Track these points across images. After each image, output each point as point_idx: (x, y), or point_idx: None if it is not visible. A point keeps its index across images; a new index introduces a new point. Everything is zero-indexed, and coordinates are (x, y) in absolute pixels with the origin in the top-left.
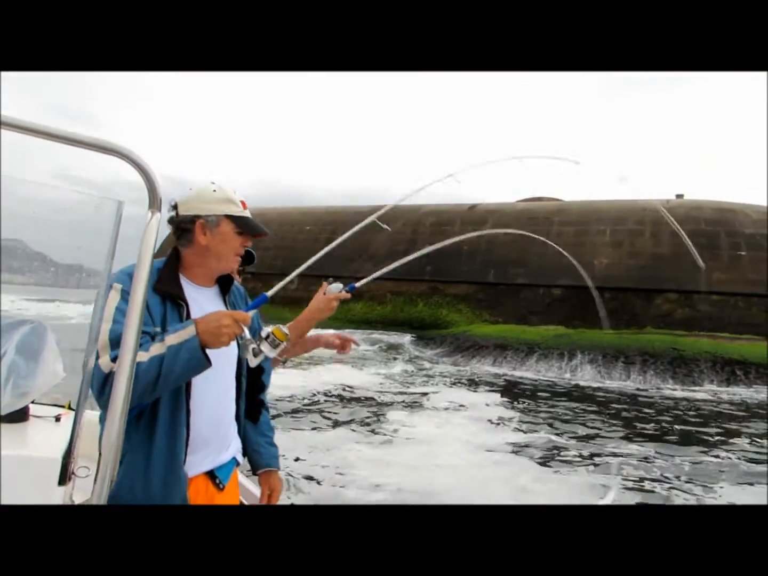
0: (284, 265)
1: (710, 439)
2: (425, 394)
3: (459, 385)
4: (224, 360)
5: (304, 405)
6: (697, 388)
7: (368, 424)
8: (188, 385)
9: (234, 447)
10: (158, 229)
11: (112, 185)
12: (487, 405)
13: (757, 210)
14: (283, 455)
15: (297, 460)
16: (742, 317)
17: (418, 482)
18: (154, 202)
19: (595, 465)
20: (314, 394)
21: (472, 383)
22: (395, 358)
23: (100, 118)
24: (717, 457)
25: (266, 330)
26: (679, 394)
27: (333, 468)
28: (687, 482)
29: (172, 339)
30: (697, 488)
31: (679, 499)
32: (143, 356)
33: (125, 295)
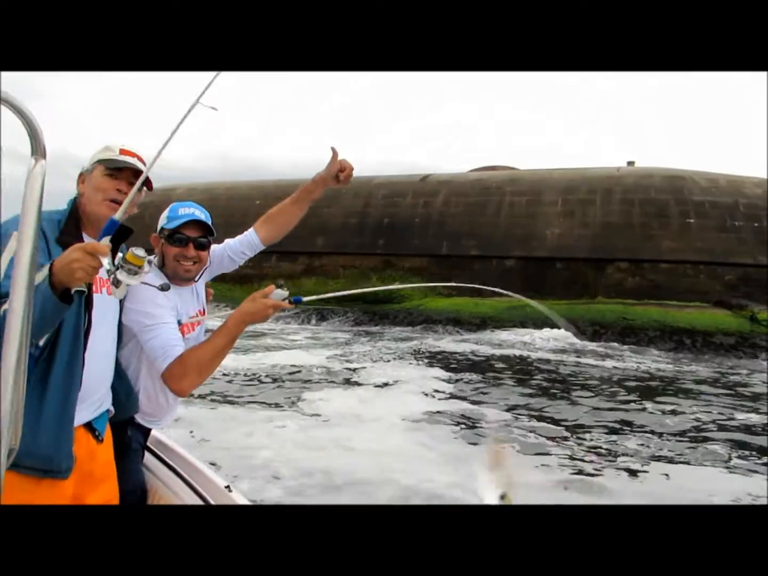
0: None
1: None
2: (358, 369)
3: (401, 360)
4: (113, 304)
5: (239, 384)
6: (644, 358)
7: (292, 405)
8: (86, 334)
9: (109, 397)
10: (44, 177)
11: (58, 160)
12: (424, 378)
13: (705, 177)
14: (191, 432)
15: (202, 441)
16: (690, 285)
17: (327, 465)
18: (37, 149)
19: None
20: (251, 376)
21: (416, 358)
22: (343, 341)
23: (43, 91)
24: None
25: (119, 256)
26: (621, 365)
27: (236, 453)
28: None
29: None
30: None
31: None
32: (7, 304)
33: None
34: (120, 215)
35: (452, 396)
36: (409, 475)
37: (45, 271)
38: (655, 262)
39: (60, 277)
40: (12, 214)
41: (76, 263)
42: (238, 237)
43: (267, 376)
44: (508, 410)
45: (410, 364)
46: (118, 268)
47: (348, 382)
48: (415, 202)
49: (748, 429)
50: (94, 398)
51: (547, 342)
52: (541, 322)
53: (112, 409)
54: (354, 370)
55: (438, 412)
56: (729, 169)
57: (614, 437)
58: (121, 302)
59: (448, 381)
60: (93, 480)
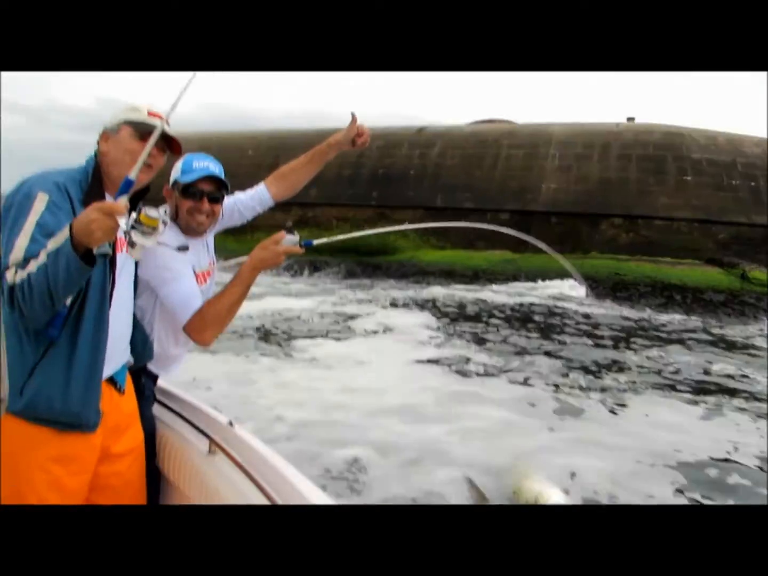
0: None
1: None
2: (354, 316)
3: (394, 307)
4: (130, 261)
5: (236, 333)
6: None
7: (289, 353)
8: (111, 292)
9: (128, 350)
10: None
11: (48, 112)
12: (417, 326)
13: (704, 134)
14: (193, 379)
15: (202, 390)
16: (684, 242)
17: (321, 410)
18: None
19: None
20: (248, 325)
21: (408, 305)
22: (337, 290)
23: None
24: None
25: (133, 216)
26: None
27: (237, 399)
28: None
29: (51, 245)
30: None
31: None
32: (32, 266)
33: (52, 208)
34: (135, 174)
35: (446, 342)
36: (403, 417)
37: (65, 232)
38: (650, 218)
39: (80, 238)
40: (34, 172)
41: (94, 224)
42: (249, 191)
43: (262, 324)
44: (498, 354)
45: (405, 311)
46: (132, 229)
47: (344, 329)
48: (411, 153)
49: (726, 377)
50: (116, 354)
51: (538, 294)
52: (533, 275)
53: (131, 359)
54: (350, 317)
55: (432, 358)
56: (730, 128)
57: (596, 376)
58: None
59: (441, 328)
60: (119, 430)
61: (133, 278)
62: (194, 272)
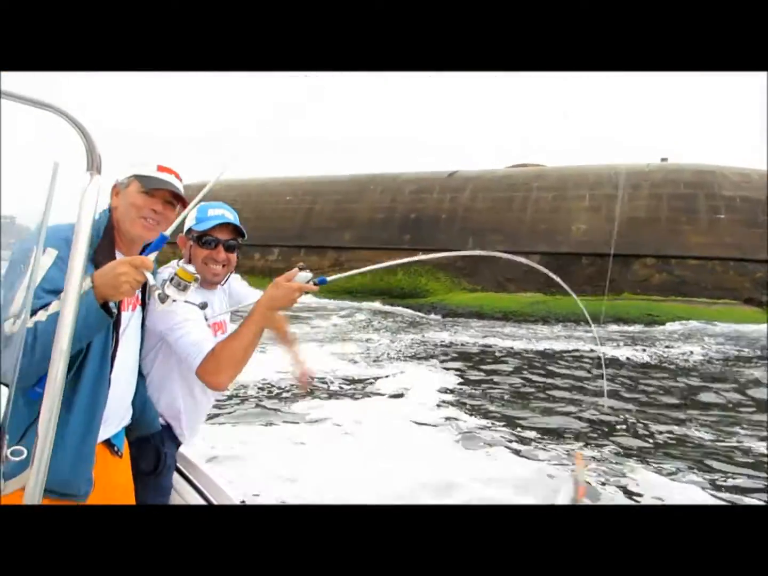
0: (264, 236)
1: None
2: (374, 380)
3: (415, 360)
4: (137, 320)
5: (235, 394)
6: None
7: (295, 420)
8: (113, 355)
9: (129, 412)
10: (98, 193)
11: None
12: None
13: (735, 171)
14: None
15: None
16: (719, 281)
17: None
18: (92, 164)
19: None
20: (248, 386)
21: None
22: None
23: (62, 83)
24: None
25: (170, 271)
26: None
27: (238, 479)
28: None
29: None
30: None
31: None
32: (41, 315)
33: (60, 264)
34: (170, 232)
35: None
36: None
37: (88, 282)
38: (683, 258)
39: (103, 290)
40: (28, 232)
41: (123, 276)
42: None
43: (265, 383)
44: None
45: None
46: (167, 283)
47: (365, 390)
48: (442, 197)
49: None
50: (115, 416)
51: (566, 336)
52: (562, 317)
53: (129, 421)
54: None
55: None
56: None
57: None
58: (143, 310)
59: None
60: (112, 499)
61: (139, 339)
62: (206, 321)
